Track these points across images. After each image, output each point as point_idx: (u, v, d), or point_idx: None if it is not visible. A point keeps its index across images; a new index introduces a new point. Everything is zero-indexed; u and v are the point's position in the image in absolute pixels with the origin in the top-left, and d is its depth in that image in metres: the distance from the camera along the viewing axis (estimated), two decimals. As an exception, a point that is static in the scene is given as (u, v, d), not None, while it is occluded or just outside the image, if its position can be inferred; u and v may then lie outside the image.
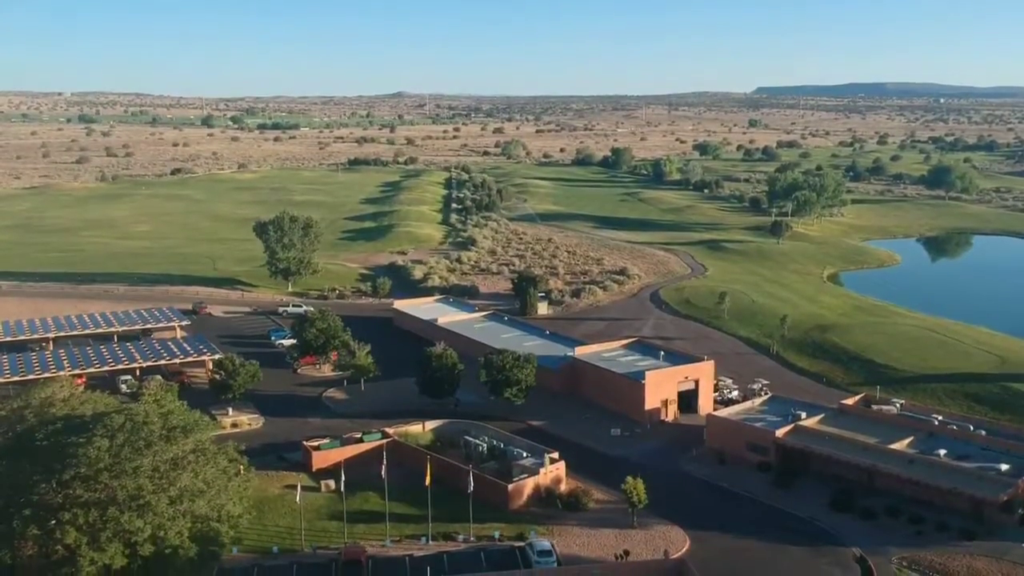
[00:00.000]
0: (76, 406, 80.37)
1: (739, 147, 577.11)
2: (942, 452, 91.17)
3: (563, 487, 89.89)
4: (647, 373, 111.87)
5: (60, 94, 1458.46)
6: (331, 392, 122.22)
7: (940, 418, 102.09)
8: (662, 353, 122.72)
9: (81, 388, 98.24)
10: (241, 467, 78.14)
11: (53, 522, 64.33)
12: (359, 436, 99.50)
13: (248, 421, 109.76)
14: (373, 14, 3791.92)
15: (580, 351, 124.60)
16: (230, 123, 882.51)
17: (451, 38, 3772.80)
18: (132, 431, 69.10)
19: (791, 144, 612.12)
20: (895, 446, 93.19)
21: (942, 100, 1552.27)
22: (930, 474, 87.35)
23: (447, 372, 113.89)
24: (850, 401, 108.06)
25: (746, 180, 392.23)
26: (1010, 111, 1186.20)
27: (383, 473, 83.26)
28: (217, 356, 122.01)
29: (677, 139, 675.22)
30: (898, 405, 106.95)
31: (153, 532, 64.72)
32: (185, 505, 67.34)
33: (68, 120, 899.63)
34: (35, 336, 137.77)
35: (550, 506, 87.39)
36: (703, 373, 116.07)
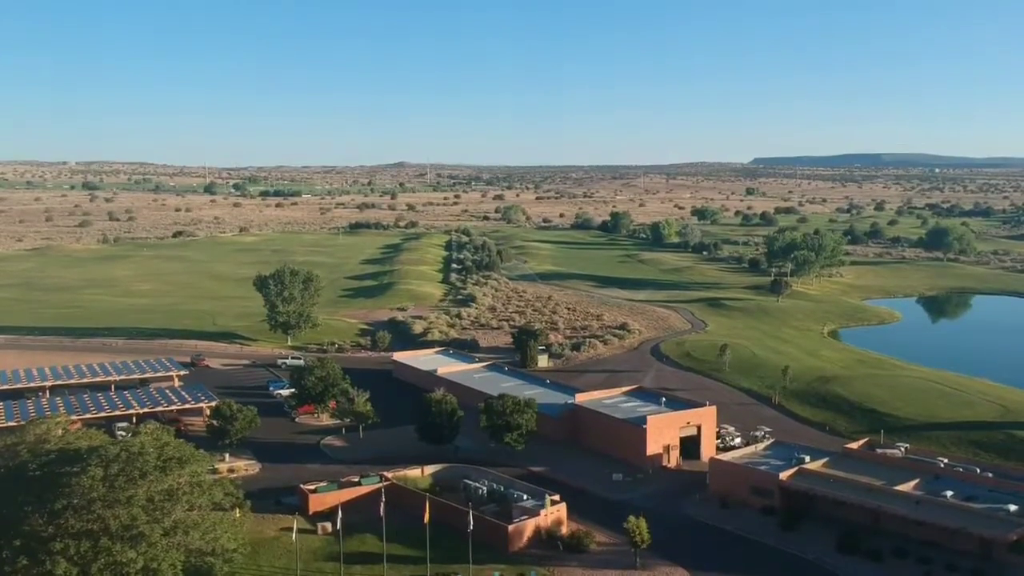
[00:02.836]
0: (71, 441, 79.45)
1: (737, 213, 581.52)
2: (949, 493, 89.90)
3: (564, 529, 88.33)
4: (649, 418, 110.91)
5: (65, 163, 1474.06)
6: (329, 439, 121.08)
7: (945, 461, 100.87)
8: (663, 399, 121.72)
9: (77, 427, 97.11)
10: (237, 506, 76.93)
11: (44, 553, 63.08)
12: (357, 480, 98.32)
13: (245, 467, 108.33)
14: (374, 89, 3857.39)
15: (581, 398, 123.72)
16: (232, 190, 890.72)
17: (452, 109, 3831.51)
18: (127, 461, 68.27)
19: (789, 210, 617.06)
20: (901, 487, 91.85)
21: (938, 170, 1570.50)
22: (938, 515, 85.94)
23: (447, 418, 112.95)
24: (854, 445, 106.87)
25: (745, 243, 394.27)
26: (1005, 180, 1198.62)
27: (381, 513, 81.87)
28: (214, 403, 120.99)
29: (675, 205, 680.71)
30: (902, 449, 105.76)
31: (146, 564, 63.61)
32: (179, 537, 66.32)
33: (72, 187, 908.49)
34: (31, 385, 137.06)
35: (551, 548, 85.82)
36: (705, 419, 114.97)
